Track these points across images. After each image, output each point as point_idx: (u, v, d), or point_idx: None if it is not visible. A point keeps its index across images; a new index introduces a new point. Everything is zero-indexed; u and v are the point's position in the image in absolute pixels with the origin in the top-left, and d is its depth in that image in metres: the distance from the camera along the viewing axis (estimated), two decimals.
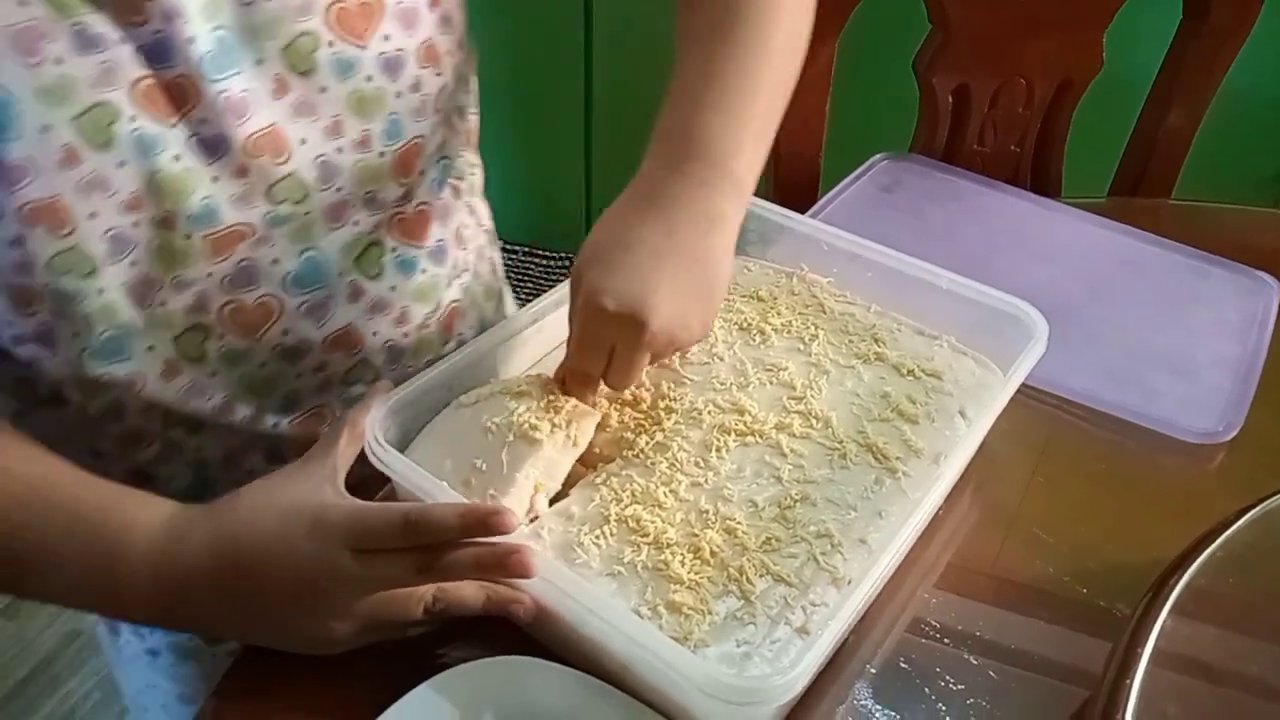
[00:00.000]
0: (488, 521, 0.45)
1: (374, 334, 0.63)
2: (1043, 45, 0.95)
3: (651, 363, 0.53)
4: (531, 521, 0.53)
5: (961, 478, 0.63)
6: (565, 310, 0.64)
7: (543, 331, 0.63)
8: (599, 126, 1.76)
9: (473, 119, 0.67)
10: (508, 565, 0.45)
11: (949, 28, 0.93)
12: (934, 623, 0.56)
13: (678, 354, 0.62)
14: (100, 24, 0.45)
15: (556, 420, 0.53)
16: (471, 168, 0.70)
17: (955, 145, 0.99)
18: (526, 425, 0.52)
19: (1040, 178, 1.03)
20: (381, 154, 0.56)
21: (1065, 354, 0.72)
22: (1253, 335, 0.77)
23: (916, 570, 0.58)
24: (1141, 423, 0.69)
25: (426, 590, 0.48)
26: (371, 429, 0.52)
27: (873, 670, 0.53)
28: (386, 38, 0.54)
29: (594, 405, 0.56)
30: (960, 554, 0.60)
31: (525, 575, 0.45)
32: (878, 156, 0.95)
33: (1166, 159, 1.03)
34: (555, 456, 0.53)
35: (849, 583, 0.49)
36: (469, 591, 0.49)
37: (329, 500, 0.48)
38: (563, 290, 0.63)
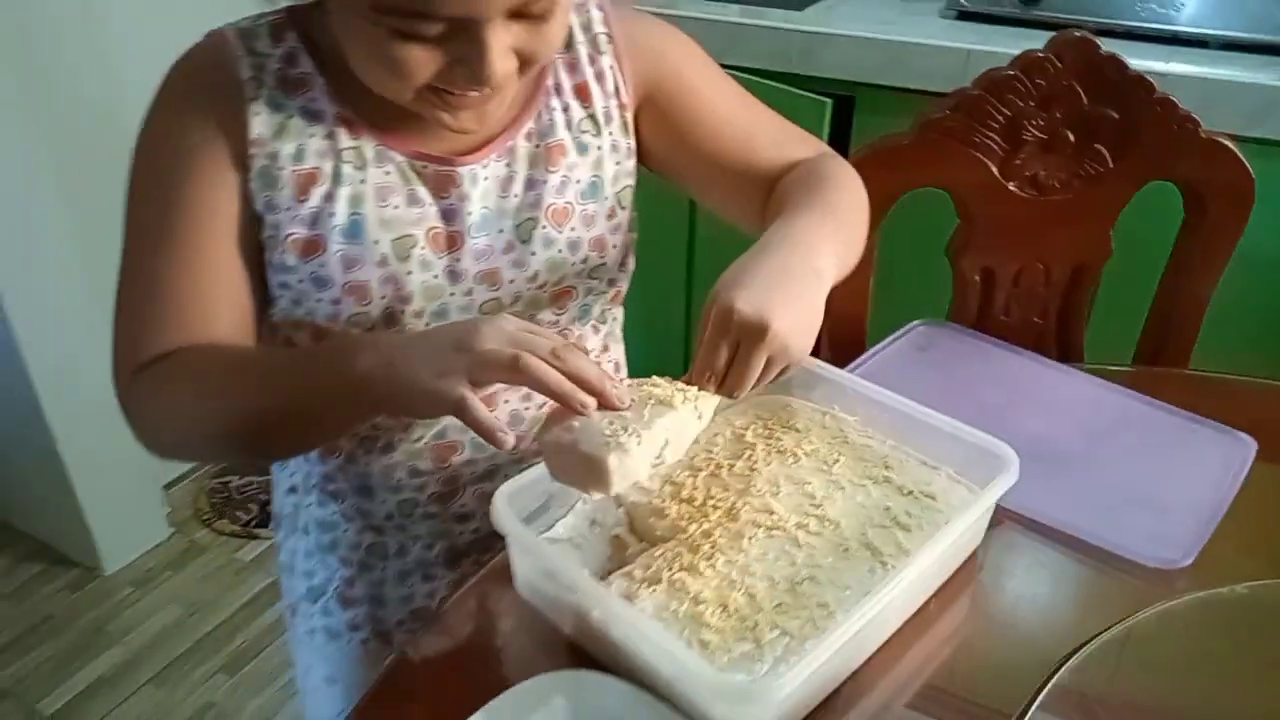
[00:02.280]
0: (605, 392, 0.65)
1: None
2: (1056, 236, 1.14)
3: (764, 374, 0.68)
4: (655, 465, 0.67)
5: (957, 586, 0.78)
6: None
7: None
8: (699, 274, 2.00)
9: (622, 287, 0.92)
10: (603, 396, 0.65)
11: (973, 221, 1.13)
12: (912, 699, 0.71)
13: (726, 465, 0.80)
14: (423, 192, 0.78)
15: (688, 395, 0.68)
16: (613, 318, 0.95)
17: (985, 316, 1.17)
18: (663, 395, 0.68)
19: (1063, 345, 1.19)
20: (543, 287, 0.83)
21: (1060, 493, 0.88)
22: (1226, 483, 0.91)
23: (908, 658, 0.73)
24: (1115, 550, 0.83)
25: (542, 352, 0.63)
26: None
27: None
28: (573, 229, 0.83)
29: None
30: (952, 645, 0.75)
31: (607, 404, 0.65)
32: (916, 322, 1.14)
33: (1181, 331, 1.18)
34: (686, 421, 0.67)
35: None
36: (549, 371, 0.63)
37: None
38: None
